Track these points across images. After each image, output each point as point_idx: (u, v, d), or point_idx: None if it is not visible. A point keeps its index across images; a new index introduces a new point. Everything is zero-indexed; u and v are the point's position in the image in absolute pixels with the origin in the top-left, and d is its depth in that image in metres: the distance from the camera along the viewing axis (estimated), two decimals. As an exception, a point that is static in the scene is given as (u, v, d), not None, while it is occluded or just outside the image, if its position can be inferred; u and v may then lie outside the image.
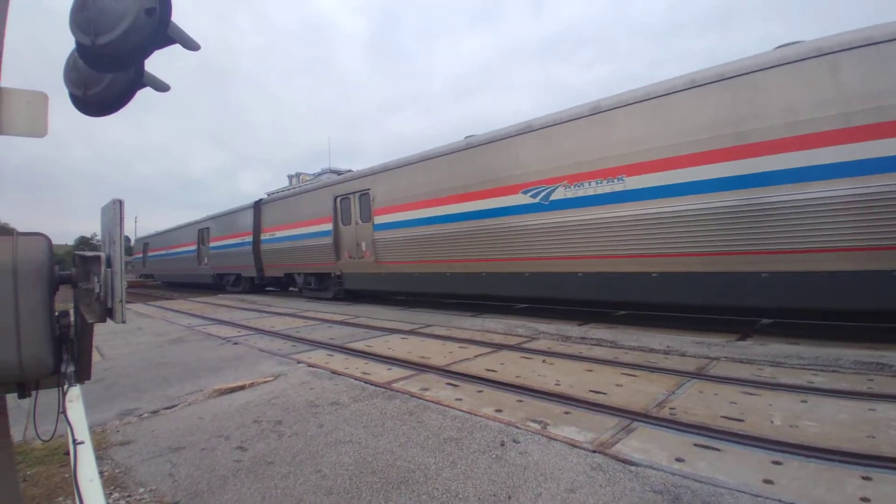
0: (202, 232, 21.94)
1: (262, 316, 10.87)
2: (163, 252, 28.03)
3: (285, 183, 65.70)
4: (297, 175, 65.47)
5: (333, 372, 5.22)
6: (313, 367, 5.52)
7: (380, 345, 6.71)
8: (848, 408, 3.47)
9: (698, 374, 4.57)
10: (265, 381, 4.93)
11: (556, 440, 3.11)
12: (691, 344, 5.81)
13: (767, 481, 2.47)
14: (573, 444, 3.03)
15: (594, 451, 2.93)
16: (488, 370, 5.00)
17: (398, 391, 4.39)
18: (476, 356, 5.70)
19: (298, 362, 5.79)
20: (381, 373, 5.13)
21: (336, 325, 8.91)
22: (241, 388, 4.74)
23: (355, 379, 4.89)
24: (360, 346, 6.68)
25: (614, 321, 7.72)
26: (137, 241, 35.35)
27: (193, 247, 22.71)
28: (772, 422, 3.30)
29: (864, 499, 2.24)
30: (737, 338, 6.17)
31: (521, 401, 3.97)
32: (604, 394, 4.06)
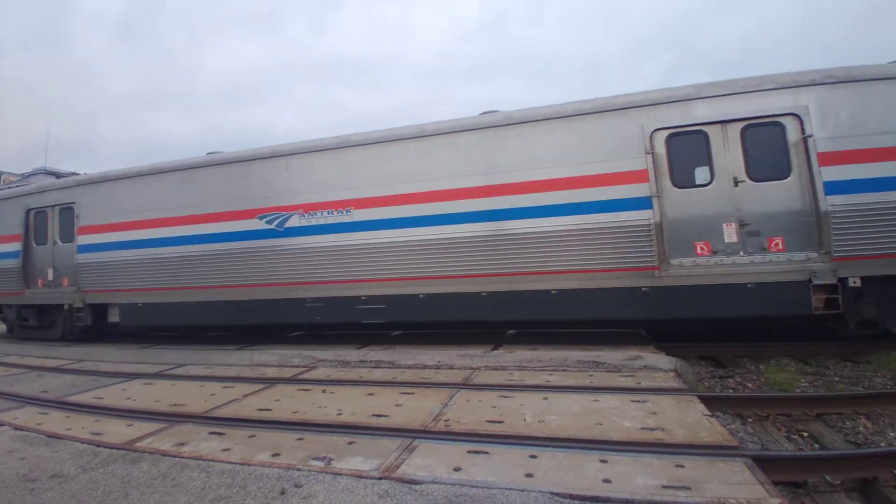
0: None
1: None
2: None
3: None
4: (-4, 175, 49.68)
5: (51, 435, 3.98)
6: (21, 429, 4.14)
7: (115, 395, 5.41)
8: (578, 401, 4.26)
9: (465, 385, 5.03)
10: (-81, 471, 3.41)
11: (341, 475, 2.96)
12: (457, 357, 6.39)
13: (529, 475, 2.82)
14: (360, 476, 2.93)
15: (381, 478, 2.89)
16: (261, 409, 4.51)
17: (145, 451, 3.57)
18: (245, 395, 5.09)
19: (1, 424, 4.28)
20: (118, 431, 4.12)
21: (49, 374, 6.86)
22: None
23: (82, 442, 3.81)
24: (86, 398, 5.26)
25: (391, 341, 7.96)
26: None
27: None
28: (524, 420, 3.83)
29: (605, 480, 2.73)
30: (491, 348, 7.06)
31: (301, 439, 3.67)
32: (385, 416, 4.09)
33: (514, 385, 4.91)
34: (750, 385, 5.40)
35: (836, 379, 5.51)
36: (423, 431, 3.68)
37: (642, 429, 3.50)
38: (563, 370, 5.51)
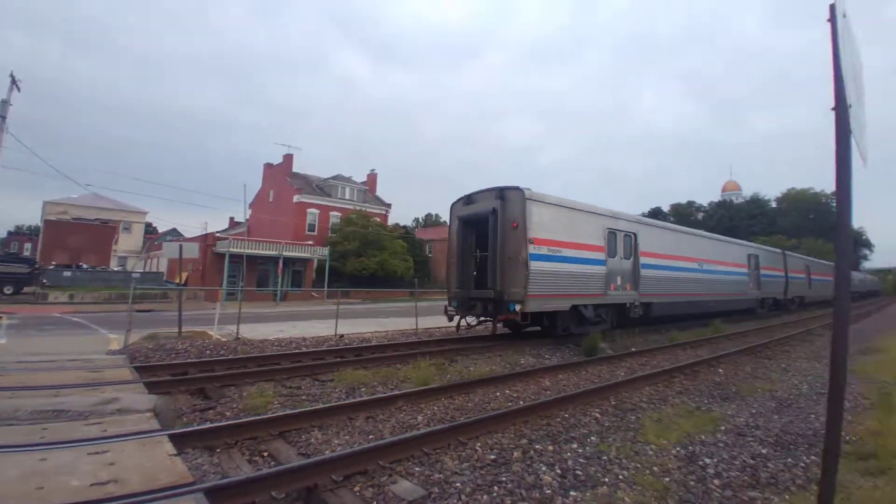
0: None
1: None
2: None
3: None
4: None
5: None
6: None
7: None
8: (21, 462, 3.36)
9: None
10: None
11: None
12: None
13: None
14: None
15: None
16: None
17: None
18: None
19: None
20: None
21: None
22: None
23: None
24: None
25: None
26: None
27: None
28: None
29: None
30: None
31: None
32: None
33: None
34: (228, 413, 5.56)
35: (304, 397, 6.38)
36: None
37: (93, 485, 3.08)
38: (10, 425, 4.20)
